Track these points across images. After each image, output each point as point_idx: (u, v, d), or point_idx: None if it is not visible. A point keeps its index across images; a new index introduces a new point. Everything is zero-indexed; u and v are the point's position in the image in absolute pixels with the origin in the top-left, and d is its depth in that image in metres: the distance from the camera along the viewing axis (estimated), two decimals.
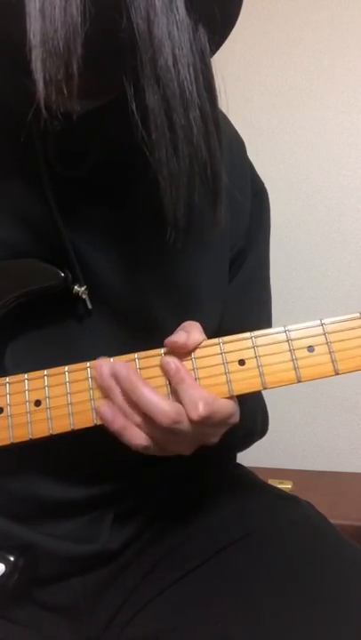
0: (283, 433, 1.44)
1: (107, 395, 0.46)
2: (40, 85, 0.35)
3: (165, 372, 0.46)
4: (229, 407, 0.46)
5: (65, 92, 0.36)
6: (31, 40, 0.34)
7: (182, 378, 0.45)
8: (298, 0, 1.36)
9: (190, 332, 0.46)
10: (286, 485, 1.25)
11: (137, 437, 0.45)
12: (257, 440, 0.67)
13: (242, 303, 0.63)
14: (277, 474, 1.30)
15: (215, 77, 0.40)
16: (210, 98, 0.40)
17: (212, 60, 0.40)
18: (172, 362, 0.45)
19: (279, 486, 0.78)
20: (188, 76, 0.37)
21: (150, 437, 0.45)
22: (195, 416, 0.43)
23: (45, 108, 0.36)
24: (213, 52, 0.41)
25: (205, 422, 0.44)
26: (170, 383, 0.45)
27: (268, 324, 0.67)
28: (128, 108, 0.38)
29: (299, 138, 1.40)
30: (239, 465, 0.70)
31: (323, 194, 1.40)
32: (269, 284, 0.69)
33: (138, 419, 0.44)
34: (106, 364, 0.46)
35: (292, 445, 1.47)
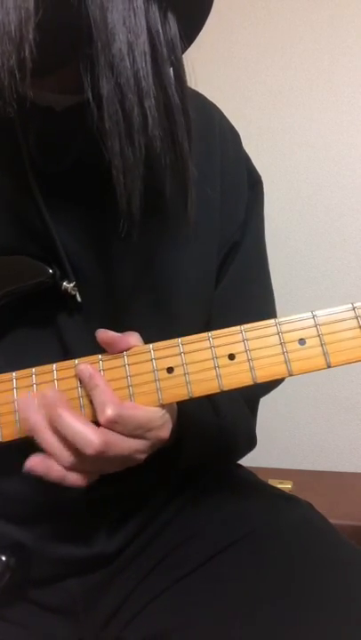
0: (283, 433, 1.44)
1: (31, 432, 0.44)
2: None
3: (80, 378, 0.45)
4: (145, 415, 0.44)
5: (17, 76, 0.35)
6: None
7: (96, 383, 0.44)
8: (298, 0, 1.36)
9: (128, 335, 0.46)
10: (286, 485, 1.25)
11: (77, 481, 0.44)
12: (237, 459, 0.66)
13: (240, 298, 0.63)
14: (277, 474, 1.30)
15: (186, 67, 0.40)
16: (178, 87, 0.39)
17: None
18: (86, 369, 0.45)
19: (279, 486, 0.78)
20: (143, 65, 0.37)
21: (87, 473, 0.44)
22: (101, 419, 0.42)
23: None
24: (188, 41, 0.40)
25: (114, 427, 0.43)
26: (85, 389, 0.45)
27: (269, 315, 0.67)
28: (92, 124, 0.38)
29: (299, 138, 1.40)
30: (239, 465, 0.70)
31: (323, 194, 1.40)
32: (269, 275, 0.68)
33: (68, 457, 0.42)
34: (27, 400, 0.45)
35: (292, 445, 1.46)
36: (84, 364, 0.46)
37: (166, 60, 0.38)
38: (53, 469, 0.43)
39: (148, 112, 0.38)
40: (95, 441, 0.41)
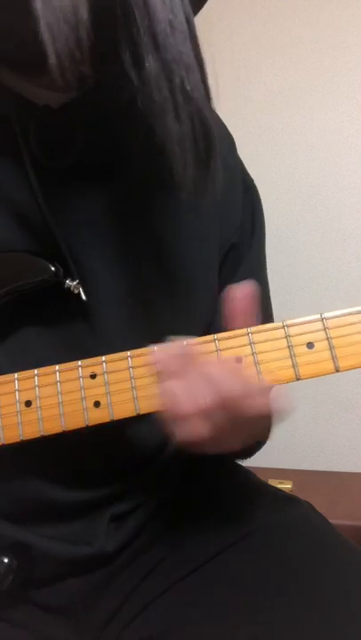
0: (283, 433, 1.44)
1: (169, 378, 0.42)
2: (51, 52, 0.36)
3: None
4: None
5: (77, 57, 0.36)
6: (37, 10, 0.35)
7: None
8: (298, 0, 1.36)
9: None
10: (286, 485, 1.25)
11: (198, 427, 0.41)
12: (258, 449, 0.66)
13: None
14: (277, 474, 1.30)
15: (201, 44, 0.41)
16: (198, 60, 0.40)
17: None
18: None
19: (279, 486, 0.78)
20: (184, 40, 0.38)
21: (212, 425, 0.41)
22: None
23: (61, 77, 0.37)
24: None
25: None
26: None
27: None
28: (109, 96, 0.39)
29: (299, 138, 1.40)
30: (239, 465, 0.70)
31: (323, 194, 1.40)
32: (268, 283, 0.69)
33: (206, 398, 0.40)
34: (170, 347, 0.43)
35: (292, 445, 1.46)
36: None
37: (189, 33, 0.39)
38: (186, 402, 0.41)
39: (194, 85, 0.39)
40: (240, 383, 0.41)
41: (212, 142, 0.43)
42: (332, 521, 0.60)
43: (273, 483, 0.94)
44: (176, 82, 0.38)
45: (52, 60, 0.36)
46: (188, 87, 0.39)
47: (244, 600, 0.51)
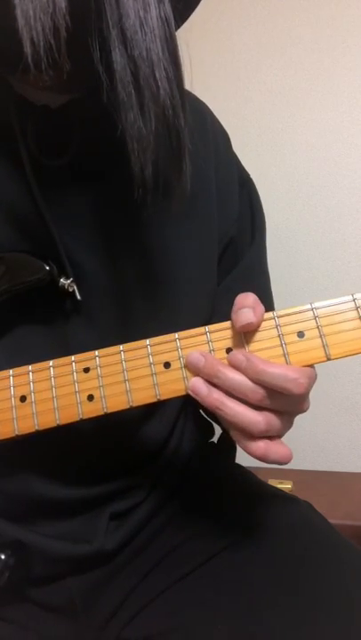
0: None
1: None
2: (26, 39, 0.35)
3: (237, 364, 0.42)
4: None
5: (53, 46, 0.36)
6: None
7: (262, 368, 0.41)
8: (298, 0, 1.36)
9: (255, 308, 0.43)
10: (286, 485, 1.25)
11: (278, 427, 0.44)
12: None
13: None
14: (277, 474, 1.29)
15: (180, 45, 0.40)
16: (173, 61, 0.40)
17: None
18: (241, 354, 0.42)
19: (279, 486, 0.78)
20: (153, 38, 0.38)
21: (274, 413, 0.43)
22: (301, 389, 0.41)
23: (34, 66, 0.36)
24: (179, 22, 0.41)
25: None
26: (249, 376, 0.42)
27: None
28: (103, 97, 0.39)
29: (299, 138, 1.40)
30: (239, 465, 0.70)
31: (323, 194, 1.40)
32: (269, 276, 0.69)
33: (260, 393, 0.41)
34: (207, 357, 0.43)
35: (292, 445, 1.46)
36: (238, 351, 0.42)
37: (164, 34, 0.39)
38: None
39: (160, 83, 0.39)
40: (296, 375, 0.41)
41: (182, 142, 0.42)
42: (332, 521, 0.60)
43: (273, 483, 0.94)
44: (142, 79, 0.38)
45: (26, 47, 0.35)
46: (155, 85, 0.39)
47: (244, 599, 0.51)
